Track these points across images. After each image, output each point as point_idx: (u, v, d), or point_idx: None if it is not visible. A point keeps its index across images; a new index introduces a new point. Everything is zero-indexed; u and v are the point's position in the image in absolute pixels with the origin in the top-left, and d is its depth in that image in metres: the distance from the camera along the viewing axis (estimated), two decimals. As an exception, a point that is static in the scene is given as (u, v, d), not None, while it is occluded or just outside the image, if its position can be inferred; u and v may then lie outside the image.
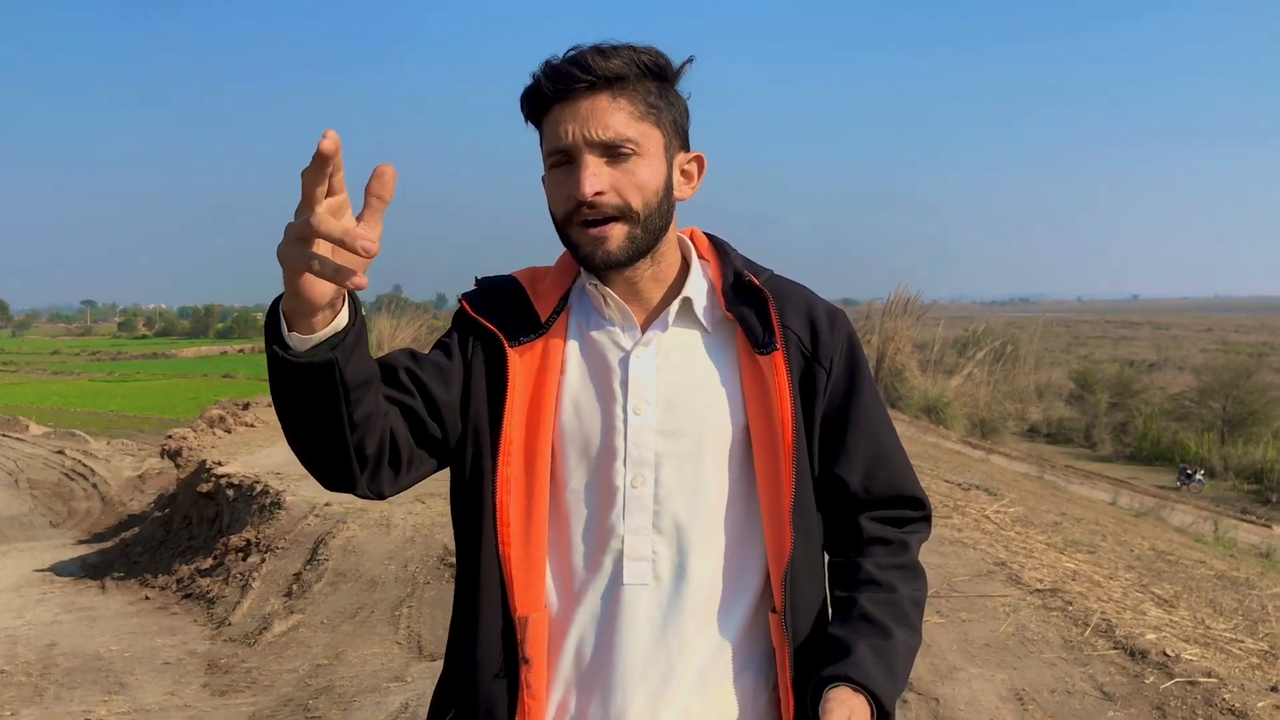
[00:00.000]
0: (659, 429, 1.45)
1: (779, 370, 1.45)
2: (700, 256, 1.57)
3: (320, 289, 1.17)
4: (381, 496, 1.43)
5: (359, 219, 1.13)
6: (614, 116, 1.40)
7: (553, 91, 1.40)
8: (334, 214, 1.12)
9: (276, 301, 1.23)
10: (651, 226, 1.44)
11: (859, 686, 1.36)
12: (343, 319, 1.23)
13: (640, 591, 1.43)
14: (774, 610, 1.45)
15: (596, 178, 1.39)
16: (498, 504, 1.42)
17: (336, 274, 1.11)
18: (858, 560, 1.51)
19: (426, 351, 1.52)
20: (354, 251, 1.09)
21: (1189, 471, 24.27)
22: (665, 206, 1.46)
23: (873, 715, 1.36)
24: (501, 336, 1.48)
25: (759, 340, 1.47)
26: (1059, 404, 35.36)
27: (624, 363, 1.48)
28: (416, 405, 1.42)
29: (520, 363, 1.47)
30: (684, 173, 1.51)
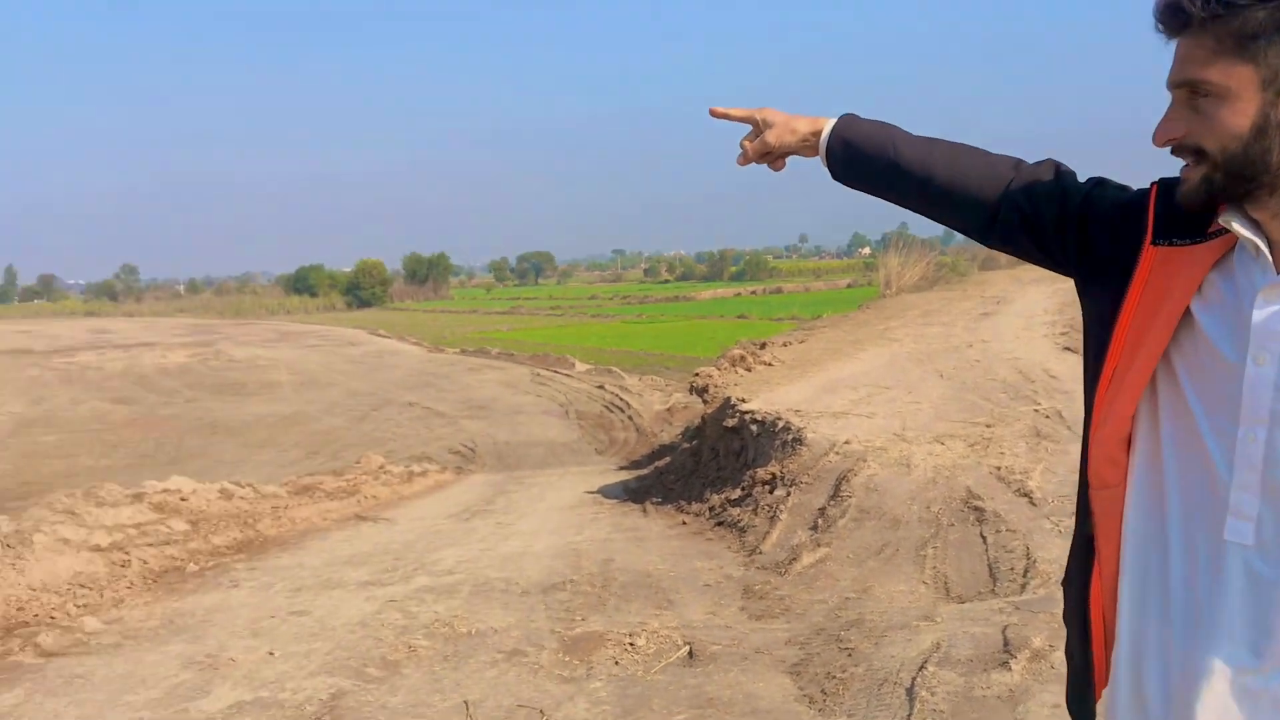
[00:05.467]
0: (1278, 384, 1.27)
1: None
2: None
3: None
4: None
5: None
6: (1193, 55, 1.28)
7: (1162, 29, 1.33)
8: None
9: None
10: (1234, 170, 1.28)
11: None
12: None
13: (1237, 550, 1.32)
14: None
15: (1172, 122, 1.33)
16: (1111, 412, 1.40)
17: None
18: None
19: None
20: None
21: None
22: (1256, 149, 1.26)
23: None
24: (1151, 225, 1.40)
25: None
26: None
27: (1250, 303, 1.31)
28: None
29: (1156, 263, 1.39)
30: None
